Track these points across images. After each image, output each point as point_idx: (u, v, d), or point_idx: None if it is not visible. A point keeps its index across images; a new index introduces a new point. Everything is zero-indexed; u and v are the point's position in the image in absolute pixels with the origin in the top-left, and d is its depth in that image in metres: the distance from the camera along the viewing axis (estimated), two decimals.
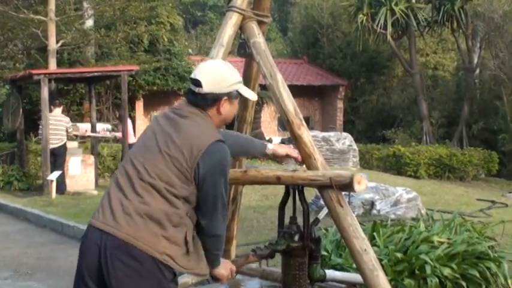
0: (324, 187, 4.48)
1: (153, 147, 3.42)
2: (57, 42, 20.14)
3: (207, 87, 3.48)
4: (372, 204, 11.18)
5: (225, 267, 3.74)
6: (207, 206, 3.42)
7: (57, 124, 15.38)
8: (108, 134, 19.06)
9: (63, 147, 15.53)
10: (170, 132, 3.43)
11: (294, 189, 4.72)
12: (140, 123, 25.84)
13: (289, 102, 4.64)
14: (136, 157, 3.46)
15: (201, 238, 3.53)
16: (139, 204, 3.33)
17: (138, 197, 3.34)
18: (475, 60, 26.59)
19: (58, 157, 15.45)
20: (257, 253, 4.43)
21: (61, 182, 15.47)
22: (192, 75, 3.55)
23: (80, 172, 16.08)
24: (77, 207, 13.33)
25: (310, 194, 11.51)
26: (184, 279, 5.42)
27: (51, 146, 15.25)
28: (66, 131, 15.54)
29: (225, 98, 3.52)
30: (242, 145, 4.29)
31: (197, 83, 3.50)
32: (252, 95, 3.72)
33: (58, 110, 15.70)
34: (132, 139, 17.15)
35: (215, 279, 3.76)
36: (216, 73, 3.53)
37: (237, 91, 3.58)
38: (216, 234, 3.52)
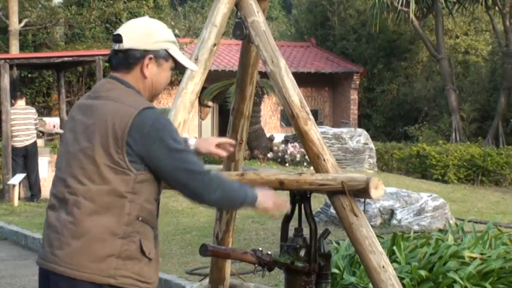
0: (334, 193, 4.49)
1: (75, 150, 3.32)
2: (19, 21, 20.15)
3: (127, 42, 3.39)
4: (392, 213, 11.19)
5: (265, 197, 3.61)
6: (177, 179, 3.30)
7: (27, 118, 15.41)
8: None
9: (36, 145, 15.58)
10: (86, 123, 3.33)
11: (300, 195, 4.72)
12: None
13: (294, 93, 4.65)
14: (61, 169, 3.37)
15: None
16: (73, 227, 3.24)
17: (71, 218, 3.25)
18: None
19: (31, 156, 15.45)
20: (257, 254, 4.43)
21: (36, 187, 15.48)
22: (115, 32, 3.49)
23: (48, 175, 16.09)
24: (44, 216, 13.28)
25: (319, 201, 11.52)
26: None
27: (23, 144, 15.26)
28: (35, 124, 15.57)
29: (150, 56, 3.40)
30: None
31: (118, 38, 3.42)
32: (190, 65, 3.61)
33: (22, 102, 15.72)
34: None
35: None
36: (142, 27, 3.45)
37: (166, 51, 3.46)
38: (213, 197, 3.36)
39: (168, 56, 3.47)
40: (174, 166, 3.26)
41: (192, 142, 4.10)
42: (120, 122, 3.23)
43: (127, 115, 3.23)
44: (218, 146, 4.01)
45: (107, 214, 3.22)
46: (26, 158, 15.41)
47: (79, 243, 3.21)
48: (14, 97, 15.65)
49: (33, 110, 16.01)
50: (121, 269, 3.22)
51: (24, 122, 15.34)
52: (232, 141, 4.15)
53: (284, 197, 3.67)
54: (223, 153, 4.04)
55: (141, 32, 3.42)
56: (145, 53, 3.39)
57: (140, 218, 3.27)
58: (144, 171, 3.26)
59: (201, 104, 25.72)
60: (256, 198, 3.54)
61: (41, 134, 16.70)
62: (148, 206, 3.31)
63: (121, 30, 3.43)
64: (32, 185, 15.50)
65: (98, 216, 3.21)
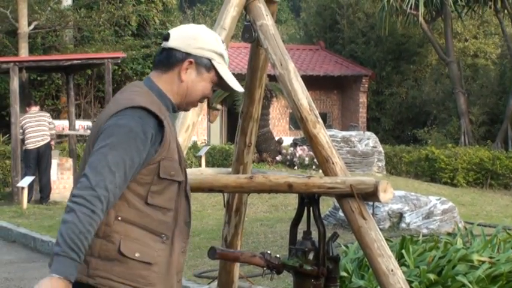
0: (343, 196, 4.49)
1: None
2: (29, 24, 20.17)
3: (173, 42, 3.33)
4: (401, 216, 11.18)
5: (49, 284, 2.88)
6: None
7: (39, 120, 15.53)
8: (88, 133, 19.13)
9: (49, 147, 15.66)
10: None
11: (308, 198, 4.72)
12: None
13: (303, 96, 4.65)
14: None
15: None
16: None
17: None
18: None
19: (43, 158, 15.52)
20: (265, 257, 4.43)
21: (47, 189, 15.55)
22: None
23: (56, 178, 16.13)
24: (52, 219, 13.35)
25: (328, 204, 11.51)
26: None
27: (35, 146, 15.32)
28: (49, 128, 15.67)
29: (190, 60, 3.30)
30: None
31: (166, 36, 3.38)
32: (234, 83, 3.38)
33: (35, 108, 15.91)
34: None
35: None
36: (191, 31, 3.39)
37: (209, 61, 3.33)
38: (70, 203, 2.95)
39: (211, 66, 3.33)
40: (87, 169, 3.03)
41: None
42: (103, 121, 3.16)
43: (108, 114, 3.15)
44: None
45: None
46: (38, 160, 15.48)
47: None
48: (28, 104, 15.78)
49: (47, 114, 16.19)
50: (99, 269, 3.13)
51: (38, 123, 15.44)
52: None
53: None
54: None
55: (188, 35, 3.35)
56: (186, 56, 3.30)
57: (120, 218, 3.13)
58: None
59: (210, 107, 25.74)
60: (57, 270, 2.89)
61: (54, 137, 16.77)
62: (137, 207, 3.16)
63: (172, 30, 3.40)
64: (42, 187, 15.56)
65: None
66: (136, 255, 3.15)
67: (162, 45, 3.40)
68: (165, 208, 3.24)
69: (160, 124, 3.15)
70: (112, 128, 3.07)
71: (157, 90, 3.30)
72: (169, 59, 3.33)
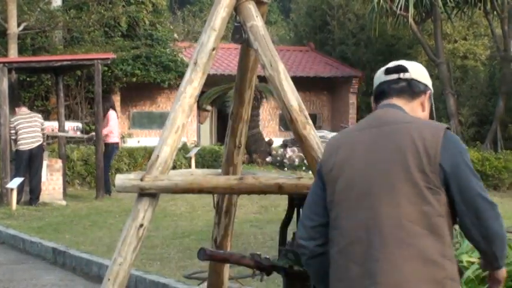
0: None
1: (383, 178, 3.32)
2: (18, 25, 20.13)
3: (414, 74, 3.56)
4: None
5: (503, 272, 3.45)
6: (472, 204, 3.27)
7: (33, 121, 15.52)
8: (78, 134, 19.10)
9: (41, 148, 15.66)
10: (388, 148, 3.32)
11: (298, 200, 4.71)
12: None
13: (293, 97, 4.64)
14: (360, 200, 3.37)
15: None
16: (401, 251, 3.31)
17: (394, 242, 3.34)
18: None
19: (35, 159, 15.49)
20: (255, 258, 4.43)
21: (37, 191, 15.51)
22: (389, 65, 3.62)
23: (46, 179, 16.08)
24: (42, 220, 13.31)
25: None
26: None
27: (29, 147, 15.30)
28: (41, 129, 15.68)
29: (430, 91, 3.57)
30: None
31: (401, 68, 3.57)
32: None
33: (25, 109, 15.92)
34: (114, 138, 17.12)
35: (494, 281, 3.47)
36: (420, 66, 3.66)
37: (430, 96, 3.59)
38: (496, 225, 3.27)
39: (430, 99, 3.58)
40: (476, 191, 3.26)
41: None
42: (431, 141, 3.24)
43: (436, 134, 3.26)
44: None
45: (434, 236, 3.20)
46: (29, 161, 15.45)
47: (410, 267, 3.16)
48: (17, 105, 15.77)
49: (39, 115, 16.18)
50: None
51: (30, 125, 15.43)
52: None
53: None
54: None
55: (422, 70, 3.62)
56: (426, 87, 3.54)
57: (452, 239, 3.29)
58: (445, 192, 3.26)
59: (200, 108, 25.72)
60: (504, 264, 3.41)
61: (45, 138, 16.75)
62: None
63: (402, 63, 3.61)
64: (33, 188, 15.52)
65: (426, 238, 3.19)
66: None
67: (396, 76, 3.54)
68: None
69: None
70: (467, 157, 3.36)
71: None
72: (414, 89, 3.52)
